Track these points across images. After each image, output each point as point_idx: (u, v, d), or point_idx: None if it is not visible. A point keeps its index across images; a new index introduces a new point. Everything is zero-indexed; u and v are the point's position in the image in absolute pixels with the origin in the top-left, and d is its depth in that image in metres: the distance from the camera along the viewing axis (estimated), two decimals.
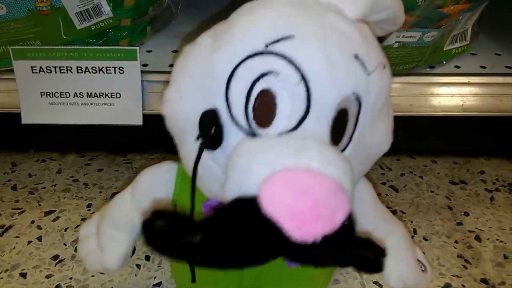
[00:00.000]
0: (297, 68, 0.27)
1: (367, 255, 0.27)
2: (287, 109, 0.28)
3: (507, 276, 0.54)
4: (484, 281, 0.54)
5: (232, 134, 0.29)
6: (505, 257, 0.57)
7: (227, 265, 0.27)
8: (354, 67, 0.28)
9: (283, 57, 0.27)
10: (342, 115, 0.29)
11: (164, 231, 0.25)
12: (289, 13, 0.29)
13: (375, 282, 0.52)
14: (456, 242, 0.59)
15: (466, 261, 0.56)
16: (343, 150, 0.30)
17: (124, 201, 0.41)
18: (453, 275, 0.54)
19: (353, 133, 0.30)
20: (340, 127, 0.29)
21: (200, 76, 0.30)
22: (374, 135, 0.32)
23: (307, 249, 0.25)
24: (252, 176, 0.26)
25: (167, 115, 0.32)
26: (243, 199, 0.26)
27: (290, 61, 0.27)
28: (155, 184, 0.39)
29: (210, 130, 0.29)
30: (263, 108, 0.28)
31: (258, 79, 0.28)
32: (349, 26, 0.29)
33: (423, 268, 0.44)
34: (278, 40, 0.28)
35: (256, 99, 0.28)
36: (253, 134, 0.28)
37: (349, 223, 0.26)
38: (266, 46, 0.28)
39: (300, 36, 0.28)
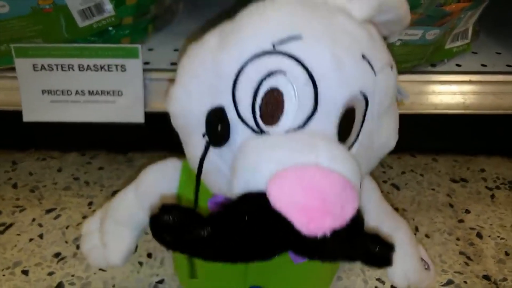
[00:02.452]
0: (305, 68, 0.27)
1: (375, 250, 0.28)
2: (294, 108, 0.28)
3: (509, 272, 0.54)
4: (486, 277, 0.54)
5: (238, 132, 0.29)
6: (507, 253, 0.57)
7: (235, 259, 0.27)
8: (362, 66, 0.29)
9: (291, 57, 0.28)
10: (349, 113, 0.29)
11: (172, 225, 0.26)
12: (297, 13, 0.29)
13: (377, 279, 0.53)
14: (457, 239, 0.59)
15: (468, 258, 0.56)
16: (350, 148, 0.30)
17: (127, 197, 0.41)
18: (455, 272, 0.54)
19: (359, 131, 0.30)
20: (347, 125, 0.30)
21: (206, 75, 0.30)
22: (380, 133, 0.32)
23: (315, 243, 0.25)
24: (261, 172, 0.26)
25: (173, 113, 0.32)
26: (252, 194, 0.26)
27: (298, 61, 0.27)
28: (159, 181, 0.39)
29: (217, 128, 0.29)
30: (270, 106, 0.28)
31: (265, 78, 0.28)
32: (357, 27, 0.30)
33: (426, 267, 0.44)
34: (286, 40, 0.28)
35: (263, 97, 0.28)
36: (259, 132, 0.29)
37: (358, 218, 0.26)
38: (274, 45, 0.28)
39: (308, 36, 0.28)
